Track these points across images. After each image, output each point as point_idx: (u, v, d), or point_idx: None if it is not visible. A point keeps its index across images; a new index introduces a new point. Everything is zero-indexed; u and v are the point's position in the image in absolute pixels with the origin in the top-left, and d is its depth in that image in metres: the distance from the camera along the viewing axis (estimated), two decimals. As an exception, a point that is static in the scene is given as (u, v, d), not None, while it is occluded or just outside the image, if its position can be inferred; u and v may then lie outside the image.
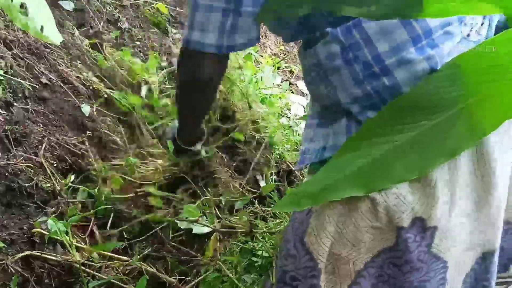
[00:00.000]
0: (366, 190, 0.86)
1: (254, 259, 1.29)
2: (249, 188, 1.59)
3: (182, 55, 1.10)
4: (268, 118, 1.74)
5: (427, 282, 0.98)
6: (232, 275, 1.21)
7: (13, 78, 1.46)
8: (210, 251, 1.31)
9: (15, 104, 1.45)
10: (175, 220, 1.38)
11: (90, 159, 1.49)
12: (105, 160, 1.55)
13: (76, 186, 1.40)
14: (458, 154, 0.84)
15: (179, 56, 1.13)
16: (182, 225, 1.37)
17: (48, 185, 1.32)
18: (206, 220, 1.38)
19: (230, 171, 1.63)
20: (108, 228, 1.37)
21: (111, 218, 1.39)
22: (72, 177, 1.42)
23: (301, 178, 1.69)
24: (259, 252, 1.31)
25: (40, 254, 1.20)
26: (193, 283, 1.22)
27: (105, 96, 1.67)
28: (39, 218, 1.25)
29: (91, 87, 1.67)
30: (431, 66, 0.87)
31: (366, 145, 0.83)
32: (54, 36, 0.78)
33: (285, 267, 1.03)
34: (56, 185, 1.34)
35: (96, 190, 1.39)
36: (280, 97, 1.96)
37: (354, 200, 0.91)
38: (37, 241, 1.24)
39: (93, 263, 1.23)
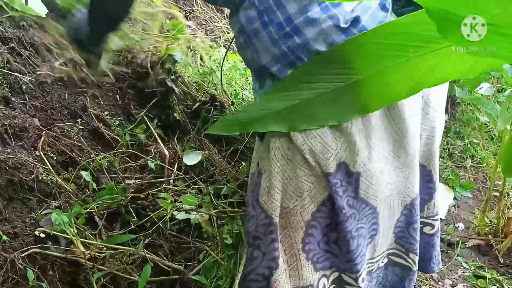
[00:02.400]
0: (289, 127, 0.97)
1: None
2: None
3: None
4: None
5: (362, 229, 1.11)
6: (228, 259, 1.23)
7: (10, 72, 1.46)
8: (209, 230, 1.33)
9: (12, 99, 1.45)
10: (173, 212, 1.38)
11: (89, 152, 1.49)
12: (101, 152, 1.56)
13: (76, 178, 1.41)
14: (369, 113, 0.97)
15: None
16: (180, 216, 1.38)
17: (49, 178, 1.33)
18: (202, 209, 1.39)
19: (225, 159, 1.64)
20: (107, 220, 1.38)
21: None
22: (72, 169, 1.42)
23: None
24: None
25: (44, 250, 1.20)
26: (197, 268, 1.23)
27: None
28: (42, 211, 1.26)
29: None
30: (334, 23, 0.97)
31: (293, 89, 0.95)
32: (39, 8, 0.80)
33: (249, 229, 1.14)
34: (57, 178, 1.34)
35: (93, 182, 1.40)
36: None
37: (291, 154, 1.03)
38: (41, 235, 1.25)
39: (96, 254, 1.23)
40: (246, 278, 1.13)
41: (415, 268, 1.27)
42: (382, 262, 1.27)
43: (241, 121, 0.97)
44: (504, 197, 2.10)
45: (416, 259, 1.26)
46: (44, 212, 1.25)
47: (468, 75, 0.77)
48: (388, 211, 1.16)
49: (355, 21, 0.97)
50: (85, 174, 1.35)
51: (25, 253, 1.15)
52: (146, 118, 1.68)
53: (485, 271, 1.92)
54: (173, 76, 1.73)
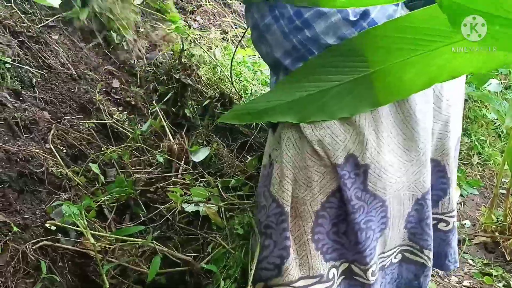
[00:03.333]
0: (299, 119, 0.98)
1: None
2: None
3: None
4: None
5: (371, 222, 1.11)
6: (238, 249, 1.24)
7: (20, 65, 1.47)
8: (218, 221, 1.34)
9: (23, 92, 1.46)
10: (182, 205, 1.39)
11: (98, 145, 1.50)
12: (110, 146, 1.57)
13: (86, 171, 1.42)
14: (381, 106, 0.96)
15: None
16: (189, 208, 1.38)
17: (59, 170, 1.34)
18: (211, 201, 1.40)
19: (232, 154, 1.65)
20: (116, 213, 1.39)
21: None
22: (81, 162, 1.44)
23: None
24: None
25: (56, 242, 1.21)
26: (206, 259, 1.23)
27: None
28: (52, 203, 1.27)
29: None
30: (343, 16, 0.97)
31: (306, 80, 0.94)
32: None
33: (260, 219, 1.15)
34: (67, 171, 1.35)
35: (101, 176, 1.40)
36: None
37: (302, 145, 1.04)
38: (51, 227, 1.25)
39: (106, 246, 1.24)
40: (258, 266, 1.14)
41: (430, 263, 1.26)
42: (395, 258, 1.26)
43: (252, 110, 0.98)
44: (511, 194, 2.09)
45: (431, 255, 1.25)
46: (54, 204, 1.26)
47: (481, 69, 0.77)
48: (397, 205, 1.16)
49: (364, 14, 0.97)
50: (94, 167, 1.36)
51: (37, 245, 1.16)
52: (159, 112, 1.68)
53: (491, 268, 1.91)
54: (188, 71, 1.74)
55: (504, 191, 2.23)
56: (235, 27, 2.31)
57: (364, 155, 1.03)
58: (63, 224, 1.21)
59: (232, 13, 2.46)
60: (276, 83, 1.10)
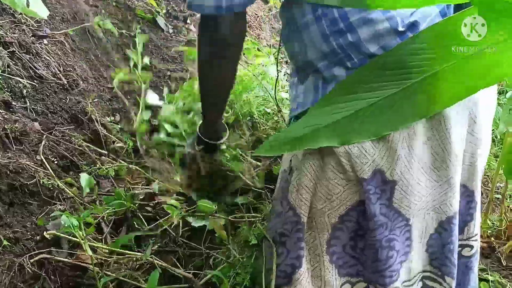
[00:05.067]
0: (341, 142, 0.92)
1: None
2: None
3: (199, 26, 1.09)
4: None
5: (394, 241, 1.06)
6: (246, 258, 1.22)
7: (11, 76, 1.46)
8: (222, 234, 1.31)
9: (13, 103, 1.45)
10: (188, 218, 1.35)
11: (90, 156, 1.49)
12: (104, 156, 1.55)
13: (77, 182, 1.40)
14: (425, 117, 0.92)
15: (197, 29, 1.12)
16: (197, 223, 1.34)
17: (50, 182, 1.32)
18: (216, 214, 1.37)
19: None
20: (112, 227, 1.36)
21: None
22: (73, 173, 1.42)
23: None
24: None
25: (53, 255, 1.19)
26: (208, 276, 1.20)
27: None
28: (44, 214, 1.25)
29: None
30: (391, 26, 0.93)
31: (343, 100, 0.89)
32: (40, 10, 0.80)
33: (275, 226, 1.12)
34: (59, 182, 1.34)
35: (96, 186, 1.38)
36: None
37: (325, 155, 1.00)
38: (40, 239, 1.24)
39: (104, 258, 1.22)
40: (268, 273, 1.11)
41: None
42: (417, 286, 1.20)
43: (289, 139, 0.92)
44: (506, 199, 2.08)
45: (453, 284, 1.17)
46: (52, 215, 1.25)
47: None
48: (420, 224, 1.11)
49: (413, 26, 0.94)
50: (88, 179, 1.32)
51: (34, 259, 1.15)
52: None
53: (487, 274, 1.90)
54: None
55: (499, 196, 2.23)
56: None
57: (393, 170, 0.99)
58: (61, 235, 1.18)
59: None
60: (300, 85, 1.06)
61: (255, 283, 1.21)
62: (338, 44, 0.96)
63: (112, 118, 1.70)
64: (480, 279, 1.88)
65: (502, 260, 2.00)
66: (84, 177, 1.31)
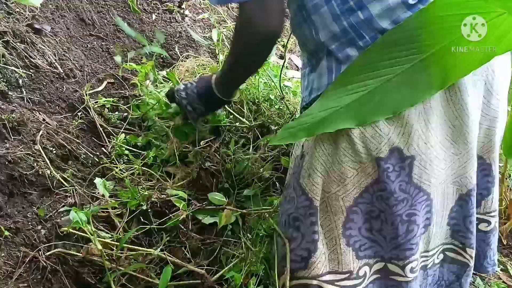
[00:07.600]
0: (358, 123, 0.91)
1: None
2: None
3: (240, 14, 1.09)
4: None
5: (415, 216, 1.05)
6: (254, 257, 1.22)
7: (6, 66, 1.44)
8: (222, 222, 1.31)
9: (9, 93, 1.44)
10: (198, 215, 1.35)
11: (89, 145, 1.48)
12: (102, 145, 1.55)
13: (77, 173, 1.40)
14: (441, 90, 0.90)
15: (237, 18, 1.12)
16: (206, 220, 1.34)
17: (49, 172, 1.32)
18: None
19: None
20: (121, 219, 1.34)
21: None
22: (71, 163, 1.42)
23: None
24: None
25: (63, 249, 1.19)
26: (220, 272, 1.20)
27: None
28: (43, 205, 1.25)
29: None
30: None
31: (357, 80, 0.89)
32: None
33: (287, 211, 1.12)
34: (58, 173, 1.33)
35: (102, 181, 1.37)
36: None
37: (338, 139, 0.99)
38: (42, 230, 1.24)
39: (115, 253, 1.21)
40: (282, 259, 1.11)
41: (472, 263, 1.20)
42: (438, 258, 1.21)
43: (305, 125, 0.91)
44: (506, 178, 2.09)
45: (473, 254, 1.19)
46: (60, 210, 1.25)
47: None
48: (441, 198, 1.11)
49: None
50: (101, 184, 1.31)
51: (48, 253, 1.16)
52: None
53: (488, 253, 1.92)
54: None
55: (499, 176, 2.23)
56: (224, 22, 2.28)
57: (410, 146, 0.98)
58: (70, 225, 1.17)
59: (220, 6, 2.42)
60: (312, 73, 1.05)
61: (270, 269, 1.20)
62: (349, 23, 0.95)
63: (110, 105, 1.69)
64: (481, 258, 1.89)
65: (502, 240, 2.01)
66: (99, 183, 1.30)
